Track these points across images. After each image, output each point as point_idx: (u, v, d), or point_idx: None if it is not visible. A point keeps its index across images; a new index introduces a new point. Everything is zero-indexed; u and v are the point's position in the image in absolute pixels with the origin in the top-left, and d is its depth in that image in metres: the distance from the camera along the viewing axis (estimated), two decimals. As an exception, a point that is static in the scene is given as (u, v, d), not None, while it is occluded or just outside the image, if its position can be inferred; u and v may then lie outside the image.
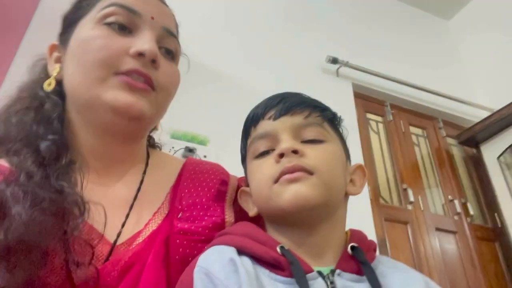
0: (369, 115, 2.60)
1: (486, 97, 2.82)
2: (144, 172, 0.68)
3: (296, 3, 2.67)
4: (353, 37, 2.73)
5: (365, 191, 2.16)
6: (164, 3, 0.69)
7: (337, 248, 0.57)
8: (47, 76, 0.65)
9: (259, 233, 0.57)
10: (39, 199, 0.51)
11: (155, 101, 0.62)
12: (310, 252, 0.56)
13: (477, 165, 2.72)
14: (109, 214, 0.58)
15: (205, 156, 1.74)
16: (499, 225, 2.48)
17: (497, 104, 2.55)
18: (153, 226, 0.61)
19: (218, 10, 2.34)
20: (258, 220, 0.63)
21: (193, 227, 0.61)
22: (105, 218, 0.57)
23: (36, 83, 0.66)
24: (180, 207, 0.63)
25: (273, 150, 0.59)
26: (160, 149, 0.81)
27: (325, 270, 0.53)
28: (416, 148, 2.66)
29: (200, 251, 0.56)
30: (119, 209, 0.61)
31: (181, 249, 0.58)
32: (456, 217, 2.47)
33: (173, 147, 1.71)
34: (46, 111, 0.62)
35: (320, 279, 0.52)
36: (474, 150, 2.74)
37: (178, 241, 0.59)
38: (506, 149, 2.49)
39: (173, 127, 1.78)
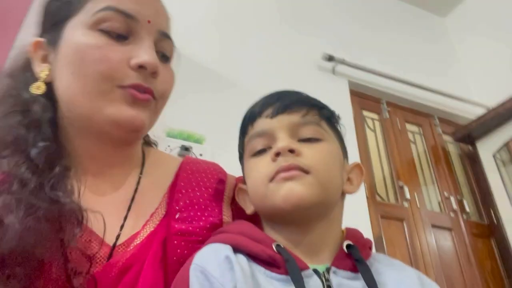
0: (365, 113, 2.61)
1: (481, 94, 2.82)
2: (141, 173, 0.68)
3: (291, 0, 2.66)
4: (349, 34, 2.73)
5: (362, 189, 2.16)
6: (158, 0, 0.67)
7: (333, 246, 0.57)
8: (32, 75, 0.62)
9: (255, 231, 0.57)
10: (34, 209, 0.50)
11: (154, 110, 0.62)
12: (306, 251, 0.56)
13: (473, 162, 2.73)
14: (107, 217, 0.57)
15: (201, 155, 1.74)
16: (495, 222, 2.49)
17: (493, 101, 2.56)
18: (150, 227, 0.61)
19: (213, 8, 2.33)
20: (256, 219, 0.63)
21: (190, 228, 0.61)
22: (104, 225, 0.56)
23: (21, 82, 0.62)
24: (177, 207, 0.63)
25: (270, 148, 0.59)
26: (156, 146, 0.80)
27: (321, 268, 0.53)
28: (412, 145, 2.67)
29: None
30: (117, 211, 0.61)
31: (178, 250, 0.58)
32: (452, 214, 2.48)
33: (168, 146, 1.71)
34: (34, 115, 0.58)
35: (315, 277, 0.52)
36: (470, 147, 2.75)
37: (175, 242, 0.59)
38: (502, 146, 2.50)
39: (169, 126, 1.77)
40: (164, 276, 0.56)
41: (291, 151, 0.56)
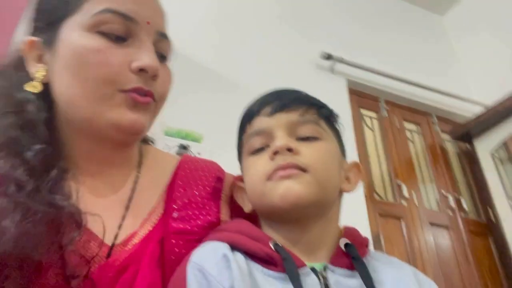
0: (364, 111, 2.61)
1: (480, 93, 2.83)
2: (139, 172, 0.67)
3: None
4: (347, 33, 2.72)
5: (360, 187, 2.17)
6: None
7: (331, 244, 0.58)
8: (26, 74, 0.61)
9: (253, 230, 0.57)
10: (30, 212, 0.49)
11: (154, 111, 0.62)
12: (304, 249, 0.56)
13: (470, 160, 2.73)
14: (105, 217, 0.57)
15: (199, 153, 1.73)
16: (493, 220, 2.49)
17: (491, 99, 2.56)
18: (148, 227, 0.61)
19: (212, 8, 2.32)
20: (254, 218, 0.63)
21: (188, 227, 0.61)
22: (104, 228, 0.56)
23: (13, 82, 0.61)
24: (175, 206, 0.63)
25: (268, 146, 0.59)
26: (153, 143, 0.80)
27: (318, 266, 0.54)
28: (410, 144, 2.67)
29: None
30: (115, 211, 0.61)
31: (176, 249, 0.58)
32: (450, 212, 2.48)
33: (167, 145, 1.70)
34: (29, 115, 0.57)
35: (312, 275, 0.52)
36: (468, 146, 2.75)
37: (173, 241, 0.59)
38: (500, 144, 2.50)
39: (167, 124, 1.77)
40: (162, 275, 0.56)
41: (289, 149, 0.56)
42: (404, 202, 2.36)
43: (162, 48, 0.63)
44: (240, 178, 0.66)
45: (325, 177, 0.57)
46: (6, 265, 0.47)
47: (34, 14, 0.64)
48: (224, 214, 0.65)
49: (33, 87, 0.59)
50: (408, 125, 2.74)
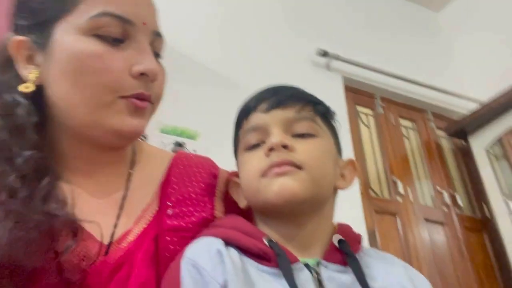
0: (359, 108, 2.61)
1: (475, 89, 2.83)
2: (132, 169, 0.67)
3: (286, -4, 2.65)
4: (343, 30, 2.72)
5: (355, 184, 2.17)
6: None
7: (324, 241, 0.58)
8: (15, 76, 0.58)
9: (247, 226, 0.58)
10: (24, 220, 0.49)
11: (150, 113, 0.62)
12: (298, 245, 0.57)
13: (466, 157, 2.74)
14: (100, 216, 0.57)
15: (194, 151, 1.73)
16: (488, 216, 2.51)
17: (486, 96, 2.57)
18: (143, 224, 0.61)
19: (206, 4, 2.31)
20: (249, 214, 0.63)
21: (183, 224, 0.61)
22: (100, 229, 0.56)
23: (1, 83, 0.59)
24: (169, 203, 0.63)
25: (264, 143, 0.59)
26: (146, 138, 0.79)
27: (311, 261, 0.54)
28: (406, 141, 2.68)
29: None
30: (110, 209, 0.61)
31: (171, 247, 0.58)
32: (445, 208, 2.50)
33: (162, 142, 1.70)
34: (18, 119, 0.55)
35: (306, 270, 0.53)
36: (463, 142, 2.76)
37: (168, 238, 0.59)
38: (494, 140, 2.52)
39: (163, 122, 1.76)
40: (156, 273, 0.56)
41: (285, 146, 0.56)
42: (399, 199, 2.37)
43: (157, 47, 0.63)
44: (236, 174, 0.66)
45: (320, 174, 0.57)
46: None
47: (20, 11, 0.60)
48: (219, 210, 0.65)
49: (25, 87, 0.57)
50: (404, 122, 2.75)
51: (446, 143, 2.85)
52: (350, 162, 0.66)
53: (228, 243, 0.54)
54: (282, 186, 0.54)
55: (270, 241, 0.54)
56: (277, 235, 0.57)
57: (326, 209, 0.60)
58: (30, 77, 0.57)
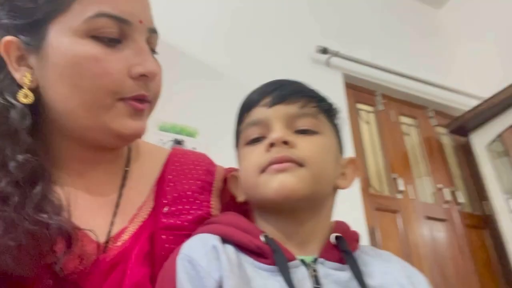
0: (360, 105, 2.60)
1: (475, 86, 2.82)
2: (127, 166, 0.66)
3: (286, -7, 2.64)
4: (343, 27, 2.71)
5: (356, 181, 2.17)
6: None
7: (322, 238, 0.58)
8: (5, 77, 0.56)
9: (244, 222, 0.57)
10: (15, 227, 0.48)
11: (149, 113, 0.62)
12: (295, 242, 0.56)
13: (466, 154, 2.74)
14: (97, 215, 0.57)
15: (194, 148, 1.72)
16: (488, 213, 2.50)
17: (487, 92, 2.56)
18: (138, 222, 0.60)
19: (208, 3, 2.30)
20: (247, 211, 0.62)
21: (178, 222, 0.60)
22: (97, 237, 0.55)
23: None
24: (165, 201, 0.62)
25: (264, 138, 0.58)
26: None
27: (308, 258, 0.54)
28: (407, 138, 2.67)
29: None
30: (106, 208, 0.60)
31: (166, 245, 0.58)
32: (445, 205, 2.49)
33: (161, 139, 1.70)
34: (11, 123, 0.53)
35: (302, 267, 0.52)
36: (464, 139, 2.75)
37: (164, 236, 0.58)
38: (495, 137, 2.51)
39: (162, 119, 1.76)
40: (151, 271, 0.56)
41: (285, 142, 0.55)
42: (400, 196, 2.36)
43: (152, 43, 0.62)
44: (231, 171, 0.66)
45: (320, 172, 0.56)
46: None
47: (7, 10, 0.57)
48: (215, 208, 0.65)
49: (26, 97, 0.55)
50: (404, 119, 2.74)
51: (447, 140, 2.84)
52: (352, 161, 0.65)
53: (225, 239, 0.54)
54: (281, 183, 0.54)
55: (266, 237, 0.54)
56: (275, 231, 0.57)
57: (325, 207, 0.60)
58: (24, 80, 0.55)
